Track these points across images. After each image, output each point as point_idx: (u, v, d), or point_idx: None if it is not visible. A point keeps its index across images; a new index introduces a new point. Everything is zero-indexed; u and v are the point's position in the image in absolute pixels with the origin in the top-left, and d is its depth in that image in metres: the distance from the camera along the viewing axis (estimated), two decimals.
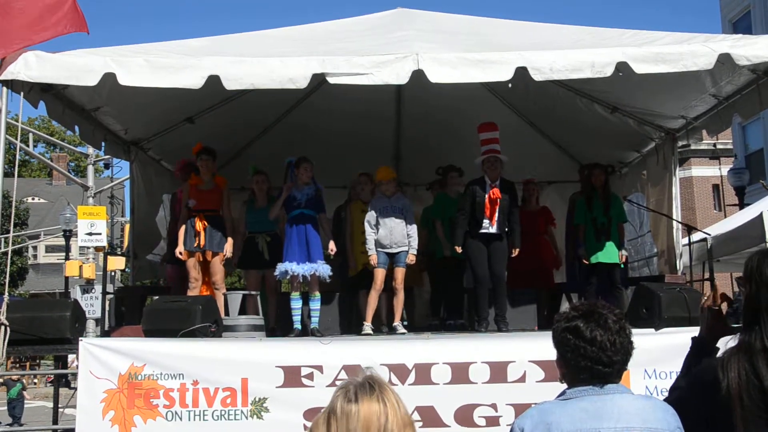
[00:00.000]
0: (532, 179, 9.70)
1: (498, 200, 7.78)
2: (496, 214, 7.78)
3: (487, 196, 7.78)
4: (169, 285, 9.57)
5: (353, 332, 7.80)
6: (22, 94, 6.46)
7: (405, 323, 7.68)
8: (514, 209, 8.00)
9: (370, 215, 7.75)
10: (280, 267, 7.50)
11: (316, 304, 7.58)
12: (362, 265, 8.31)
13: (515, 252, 7.96)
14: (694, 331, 2.98)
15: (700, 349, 2.81)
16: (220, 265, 7.82)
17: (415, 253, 7.77)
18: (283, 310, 7.99)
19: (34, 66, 6.22)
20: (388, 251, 7.67)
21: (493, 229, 7.78)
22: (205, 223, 7.76)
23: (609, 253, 8.30)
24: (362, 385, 2.20)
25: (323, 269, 7.50)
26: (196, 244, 7.73)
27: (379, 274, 7.64)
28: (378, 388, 2.19)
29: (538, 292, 9.31)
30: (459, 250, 7.88)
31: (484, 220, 7.77)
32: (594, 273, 8.37)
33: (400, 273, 7.69)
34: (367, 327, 7.51)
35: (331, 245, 7.72)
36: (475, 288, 7.89)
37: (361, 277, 8.42)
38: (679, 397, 2.66)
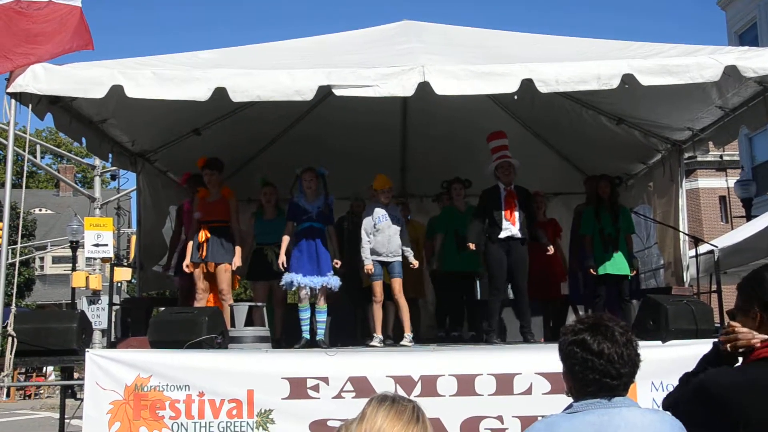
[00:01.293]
0: (539, 192, 9.71)
1: (515, 201, 7.83)
2: (516, 214, 7.81)
3: (503, 197, 7.84)
4: (176, 296, 9.59)
5: (363, 344, 7.79)
6: (30, 106, 6.50)
7: (411, 335, 7.66)
8: (530, 215, 8.06)
9: (367, 223, 7.73)
10: (286, 277, 7.46)
11: (322, 316, 7.57)
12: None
13: (551, 250, 8.15)
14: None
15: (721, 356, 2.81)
16: (225, 276, 7.80)
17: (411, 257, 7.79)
18: (290, 322, 7.99)
19: (43, 78, 6.27)
20: (382, 260, 7.65)
21: (515, 231, 7.80)
22: (208, 235, 7.78)
23: (618, 265, 8.28)
24: (400, 396, 2.21)
25: (333, 281, 7.49)
26: (199, 256, 7.75)
27: (377, 287, 7.63)
28: (416, 404, 2.19)
29: (545, 304, 9.30)
30: (472, 246, 7.84)
31: (504, 222, 7.78)
32: (602, 284, 8.35)
33: (397, 283, 7.65)
34: (377, 339, 7.50)
35: (336, 261, 7.69)
36: (491, 296, 7.88)
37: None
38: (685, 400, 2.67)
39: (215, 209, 7.92)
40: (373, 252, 7.67)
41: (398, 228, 7.74)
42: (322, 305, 7.57)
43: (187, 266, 7.79)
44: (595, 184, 8.77)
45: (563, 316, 9.46)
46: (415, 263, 7.83)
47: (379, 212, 7.75)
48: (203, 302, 7.74)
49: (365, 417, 2.14)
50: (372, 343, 7.41)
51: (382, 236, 7.66)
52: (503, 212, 7.80)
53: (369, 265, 7.63)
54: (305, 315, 7.56)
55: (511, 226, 7.79)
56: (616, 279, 8.31)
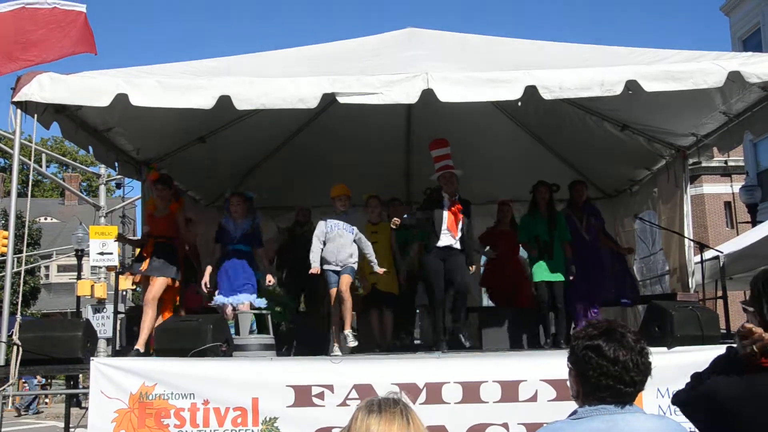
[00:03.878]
0: (505, 200, 9.64)
1: (459, 212, 7.76)
2: (459, 226, 7.74)
3: (447, 210, 7.75)
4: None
5: (364, 352, 7.76)
6: (35, 116, 6.52)
7: (355, 333, 7.57)
8: (470, 227, 7.97)
9: (319, 229, 7.73)
10: (216, 299, 7.72)
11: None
12: (371, 286, 8.33)
13: (472, 269, 8.04)
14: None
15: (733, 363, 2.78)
16: (157, 287, 7.67)
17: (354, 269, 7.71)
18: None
19: (48, 87, 6.29)
20: (333, 269, 7.59)
21: (454, 242, 7.72)
22: (152, 250, 7.78)
23: (552, 271, 8.26)
24: (386, 400, 2.16)
25: (249, 299, 7.66)
26: (142, 269, 7.76)
27: (333, 294, 7.54)
28: (402, 405, 2.16)
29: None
30: (396, 222, 7.84)
31: (444, 234, 7.71)
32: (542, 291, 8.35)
33: (345, 280, 7.52)
34: (350, 335, 7.37)
35: (269, 278, 7.85)
36: (430, 306, 7.87)
37: (372, 297, 8.42)
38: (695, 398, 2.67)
39: (163, 225, 7.91)
40: (325, 261, 7.63)
41: (350, 237, 7.66)
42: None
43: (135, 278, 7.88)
44: (533, 191, 8.69)
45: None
46: (380, 270, 7.75)
47: (331, 221, 7.73)
48: (149, 313, 7.65)
49: (354, 428, 2.11)
50: (348, 343, 7.30)
51: (331, 245, 7.63)
52: (446, 222, 7.73)
53: (314, 268, 7.61)
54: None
55: (451, 237, 7.72)
56: (551, 285, 8.27)
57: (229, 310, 7.62)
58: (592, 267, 8.71)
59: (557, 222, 8.49)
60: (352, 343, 7.32)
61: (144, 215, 8.09)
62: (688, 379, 2.92)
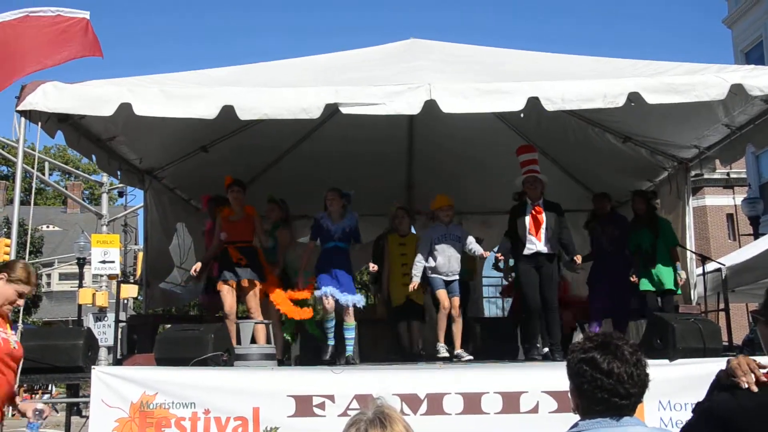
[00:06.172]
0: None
1: (542, 216, 7.79)
2: (542, 231, 7.75)
3: (529, 214, 7.82)
4: (203, 314, 9.88)
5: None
6: (39, 124, 6.54)
7: (462, 350, 7.75)
8: (564, 228, 8.00)
9: (424, 242, 7.96)
10: (322, 290, 7.65)
11: (351, 333, 7.74)
12: (404, 297, 8.34)
13: (578, 259, 7.99)
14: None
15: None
16: (254, 292, 7.78)
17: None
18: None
19: (52, 96, 6.30)
20: (444, 278, 7.88)
21: (541, 246, 7.74)
22: (239, 254, 7.78)
23: (655, 280, 8.38)
24: (372, 423, 2.13)
25: (359, 299, 7.77)
26: (231, 275, 7.74)
27: (443, 295, 7.83)
28: (389, 424, 2.13)
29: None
30: (499, 256, 8.34)
31: (529, 238, 7.75)
32: (643, 300, 8.41)
33: (456, 301, 7.89)
34: (442, 348, 7.68)
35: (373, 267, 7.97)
36: (527, 315, 7.92)
37: (401, 309, 8.42)
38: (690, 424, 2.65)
39: (242, 229, 7.90)
40: (436, 271, 7.90)
41: (458, 248, 7.97)
42: (350, 322, 7.72)
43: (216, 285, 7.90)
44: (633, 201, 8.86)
45: (570, 335, 9.40)
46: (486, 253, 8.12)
47: (436, 234, 7.97)
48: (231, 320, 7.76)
49: None
50: (440, 354, 7.61)
51: (441, 257, 7.91)
52: (528, 228, 7.76)
53: (415, 281, 7.85)
54: (331, 324, 7.75)
55: (536, 242, 7.73)
56: (657, 294, 8.36)
57: (330, 305, 7.64)
58: (617, 277, 8.74)
59: (660, 228, 8.61)
60: (468, 357, 7.60)
61: (218, 223, 8.01)
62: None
